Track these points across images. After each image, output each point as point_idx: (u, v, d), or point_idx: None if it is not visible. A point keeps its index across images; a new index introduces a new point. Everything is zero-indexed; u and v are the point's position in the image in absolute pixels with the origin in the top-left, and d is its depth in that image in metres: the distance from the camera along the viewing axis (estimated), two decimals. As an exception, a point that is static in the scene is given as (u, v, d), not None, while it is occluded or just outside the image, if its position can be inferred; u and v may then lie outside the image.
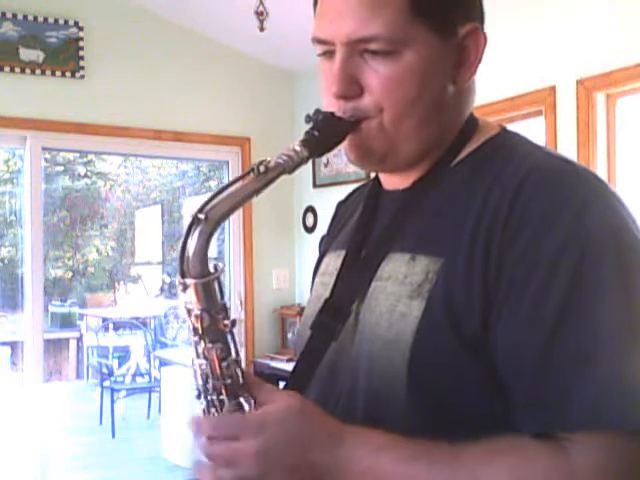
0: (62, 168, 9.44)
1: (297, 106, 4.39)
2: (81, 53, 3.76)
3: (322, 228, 4.13)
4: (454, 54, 0.89)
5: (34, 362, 3.74)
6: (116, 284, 10.08)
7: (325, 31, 0.89)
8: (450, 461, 0.77)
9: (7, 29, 3.59)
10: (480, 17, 0.92)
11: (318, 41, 0.91)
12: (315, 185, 4.32)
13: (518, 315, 0.79)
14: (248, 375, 0.82)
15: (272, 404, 0.80)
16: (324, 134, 0.87)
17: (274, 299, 4.41)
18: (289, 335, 4.30)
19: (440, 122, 0.91)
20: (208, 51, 4.17)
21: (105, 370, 6.81)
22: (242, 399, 0.81)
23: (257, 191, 0.83)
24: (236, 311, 4.25)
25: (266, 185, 0.83)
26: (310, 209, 4.40)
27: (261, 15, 3.07)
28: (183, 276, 0.80)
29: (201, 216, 0.79)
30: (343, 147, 0.92)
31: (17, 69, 3.61)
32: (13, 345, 6.75)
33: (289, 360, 3.98)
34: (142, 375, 7.21)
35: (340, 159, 4.03)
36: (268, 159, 0.83)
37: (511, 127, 0.97)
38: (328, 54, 0.90)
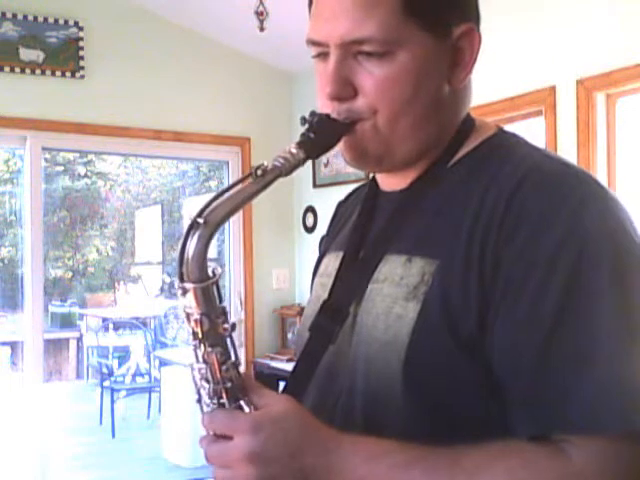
0: (62, 168, 9.43)
1: (297, 106, 4.39)
2: (81, 53, 3.76)
3: (322, 228, 4.13)
4: (449, 54, 0.89)
5: (34, 362, 3.74)
6: (116, 284, 10.08)
7: (319, 33, 0.89)
8: (448, 466, 0.76)
9: (7, 29, 3.59)
10: (476, 17, 0.92)
11: (312, 43, 0.91)
12: (315, 185, 4.32)
13: (515, 315, 0.79)
14: (247, 378, 0.82)
15: (269, 407, 0.80)
16: (320, 136, 0.87)
17: (274, 299, 4.41)
18: (289, 335, 4.30)
19: (436, 122, 0.91)
20: (208, 51, 4.17)
21: (105, 370, 6.81)
22: (242, 402, 0.81)
23: (254, 194, 0.83)
24: (236, 311, 4.26)
25: (263, 188, 0.83)
26: (310, 209, 4.40)
27: (261, 15, 3.07)
28: (182, 280, 0.80)
29: (200, 220, 0.79)
30: (339, 148, 0.92)
31: (17, 69, 3.61)
32: (13, 345, 6.74)
33: (289, 360, 3.98)
34: (142, 375, 7.21)
35: (340, 159, 4.00)
36: (265, 163, 0.83)
37: (511, 127, 0.98)
38: (322, 56, 0.90)
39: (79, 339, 8.70)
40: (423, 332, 0.83)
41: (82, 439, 6.11)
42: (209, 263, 0.80)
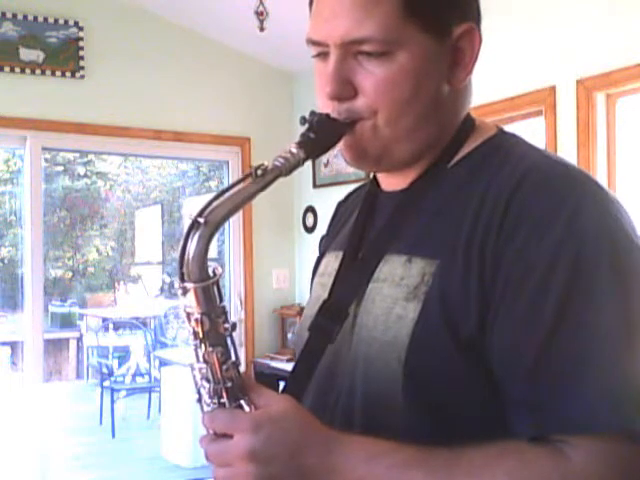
0: (62, 168, 9.43)
1: (297, 106, 4.39)
2: (81, 53, 3.76)
3: (322, 228, 4.12)
4: (449, 54, 0.89)
5: (34, 362, 3.74)
6: (116, 284, 10.08)
7: (319, 32, 0.89)
8: (447, 466, 0.76)
9: (7, 29, 3.59)
10: (476, 17, 0.92)
11: (312, 42, 0.91)
12: (315, 185, 4.32)
13: (515, 315, 0.79)
14: (246, 378, 0.82)
15: (269, 406, 0.80)
16: (320, 136, 0.87)
17: (274, 299, 4.41)
18: (289, 335, 4.30)
19: (436, 122, 0.91)
20: (208, 51, 4.17)
21: (105, 370, 6.81)
22: (243, 402, 0.81)
23: (254, 194, 0.83)
24: (236, 311, 4.26)
25: (263, 188, 0.83)
26: (310, 209, 4.40)
27: (261, 15, 3.07)
28: (183, 280, 0.80)
29: (200, 220, 0.79)
30: (339, 148, 0.92)
31: (17, 69, 3.61)
32: (13, 345, 6.74)
33: (289, 360, 3.98)
34: (142, 375, 7.21)
35: (340, 159, 4.00)
36: (266, 163, 0.83)
37: (511, 127, 0.97)
38: (322, 55, 0.90)
39: (79, 339, 8.70)
40: (424, 332, 0.83)
41: (82, 439, 6.11)
42: (209, 263, 0.80)
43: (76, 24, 3.75)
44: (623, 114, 2.81)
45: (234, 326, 0.81)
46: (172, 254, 9.29)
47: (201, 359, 0.81)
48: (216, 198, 0.80)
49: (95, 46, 3.81)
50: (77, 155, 8.79)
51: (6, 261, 8.69)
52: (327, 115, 0.88)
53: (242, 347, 4.19)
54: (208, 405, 0.82)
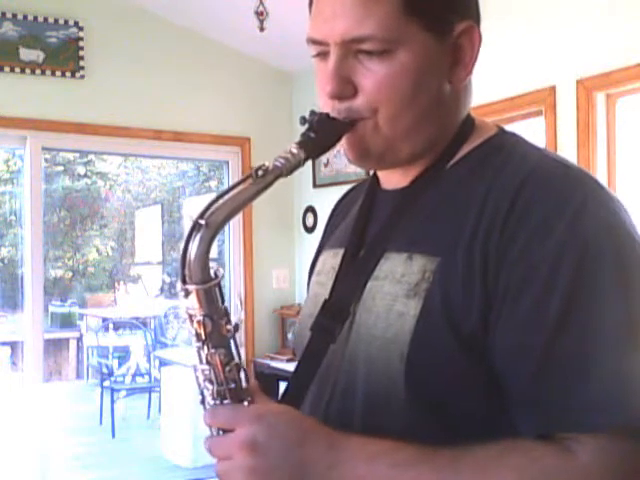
0: (62, 168, 9.43)
1: (297, 106, 4.39)
2: (81, 53, 3.76)
3: (322, 228, 4.12)
4: (449, 53, 0.89)
5: (34, 362, 3.74)
6: (116, 284, 10.08)
7: (319, 31, 0.89)
8: (453, 463, 0.76)
9: (7, 29, 3.59)
10: (476, 15, 0.92)
11: (313, 42, 0.90)
12: (315, 185, 4.32)
13: (518, 315, 0.79)
14: (252, 386, 0.83)
15: (271, 405, 0.81)
16: (320, 135, 0.87)
17: (274, 299, 4.41)
18: (289, 335, 4.30)
19: (437, 121, 0.91)
20: (208, 51, 4.17)
21: (105, 370, 6.81)
22: (246, 403, 0.81)
23: (255, 195, 0.83)
24: (236, 311, 4.26)
25: (264, 189, 0.83)
26: (310, 209, 4.40)
27: (261, 15, 3.07)
28: (185, 282, 0.80)
29: (201, 222, 0.79)
30: (342, 147, 0.92)
31: (17, 69, 3.61)
32: (13, 345, 6.74)
33: (289, 360, 3.98)
34: (142, 375, 7.21)
35: (340, 159, 4.03)
36: (266, 164, 0.83)
37: (511, 127, 0.97)
38: (323, 55, 0.90)
39: (79, 339, 8.70)
40: (425, 329, 0.83)
41: (82, 439, 6.11)
42: (210, 264, 0.80)
43: (76, 24, 3.75)
44: (623, 114, 2.81)
45: (237, 327, 0.81)
46: (172, 254, 9.30)
47: (204, 361, 0.81)
48: (217, 199, 0.80)
49: (95, 46, 3.81)
50: (77, 155, 8.79)
51: (6, 261, 8.70)
52: (327, 115, 0.88)
53: (242, 347, 4.19)
54: (212, 406, 0.82)
